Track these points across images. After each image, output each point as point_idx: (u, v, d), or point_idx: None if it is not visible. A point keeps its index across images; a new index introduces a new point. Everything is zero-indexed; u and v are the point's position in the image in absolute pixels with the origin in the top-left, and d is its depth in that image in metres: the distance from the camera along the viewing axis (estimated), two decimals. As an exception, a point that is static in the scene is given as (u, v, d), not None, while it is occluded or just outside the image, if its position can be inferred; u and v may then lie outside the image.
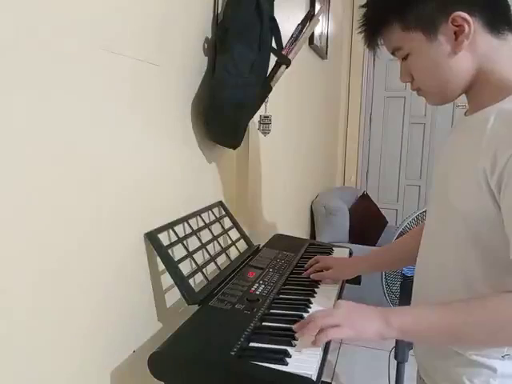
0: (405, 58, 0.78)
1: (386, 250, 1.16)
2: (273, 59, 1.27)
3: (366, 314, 0.74)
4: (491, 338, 0.68)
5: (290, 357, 0.73)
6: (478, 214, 0.71)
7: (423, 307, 0.77)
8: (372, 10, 0.79)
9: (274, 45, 1.25)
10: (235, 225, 1.34)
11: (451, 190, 0.76)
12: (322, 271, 1.12)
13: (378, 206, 3.45)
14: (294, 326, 0.79)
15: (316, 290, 1.04)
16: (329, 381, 2.11)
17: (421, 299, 0.89)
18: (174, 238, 1.05)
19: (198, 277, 1.08)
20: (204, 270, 1.07)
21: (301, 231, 2.71)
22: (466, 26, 0.70)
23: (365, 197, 3.38)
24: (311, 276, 1.09)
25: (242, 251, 1.27)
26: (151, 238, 0.99)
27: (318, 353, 0.74)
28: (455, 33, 0.71)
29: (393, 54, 0.80)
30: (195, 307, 0.93)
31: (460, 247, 0.76)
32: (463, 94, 0.79)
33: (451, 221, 0.77)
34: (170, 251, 1.00)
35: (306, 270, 1.14)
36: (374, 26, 0.79)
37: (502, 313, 0.65)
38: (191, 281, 1.01)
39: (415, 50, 0.75)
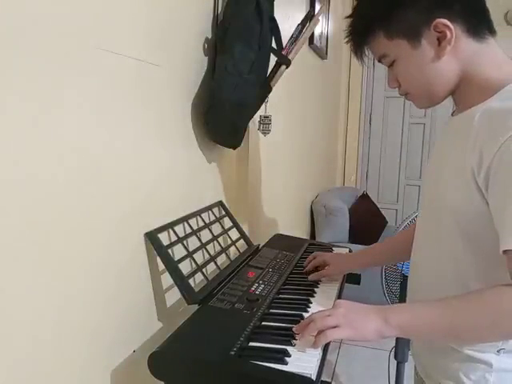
0: (391, 65, 0.81)
1: (385, 243, 1.20)
2: (273, 59, 1.27)
3: (364, 313, 0.74)
4: (490, 331, 0.68)
5: (290, 356, 0.73)
6: (468, 211, 0.72)
7: (421, 304, 0.77)
8: (357, 20, 0.82)
9: (274, 45, 1.26)
10: (235, 225, 1.34)
11: (441, 188, 0.78)
12: (317, 268, 1.13)
13: (378, 206, 3.45)
14: (294, 328, 0.79)
15: (316, 289, 1.04)
16: (329, 380, 2.11)
17: (415, 296, 0.90)
18: (174, 238, 1.05)
19: (198, 276, 1.08)
20: (204, 269, 1.08)
21: (301, 231, 2.71)
22: (448, 32, 0.72)
23: (365, 197, 3.38)
24: (309, 278, 1.10)
25: (241, 251, 1.27)
26: (151, 238, 0.99)
27: (318, 352, 0.75)
28: (438, 39, 0.73)
29: (379, 61, 0.82)
30: (195, 307, 0.93)
31: (452, 244, 0.77)
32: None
33: (442, 218, 0.78)
34: (170, 251, 1.00)
35: (305, 268, 1.15)
36: (359, 36, 0.82)
37: (500, 306, 0.66)
38: (191, 281, 1.01)
39: (400, 56, 0.78)
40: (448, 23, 0.72)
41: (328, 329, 0.73)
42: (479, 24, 0.75)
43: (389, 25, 0.76)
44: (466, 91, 0.77)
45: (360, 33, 0.81)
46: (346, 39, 0.84)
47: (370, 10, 0.80)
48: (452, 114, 0.84)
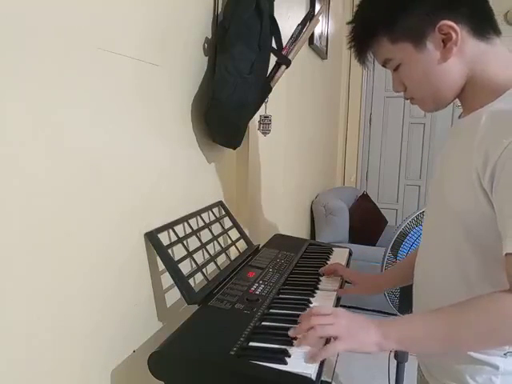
0: (396, 69, 0.79)
1: (405, 262, 1.12)
2: (273, 59, 1.27)
3: (364, 327, 0.72)
4: (489, 339, 0.68)
5: (290, 356, 0.73)
6: (472, 214, 0.72)
7: (419, 317, 0.75)
8: (359, 26, 0.81)
9: (274, 45, 1.26)
10: (235, 225, 1.34)
11: (447, 190, 0.77)
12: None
13: (378, 206, 3.45)
14: (290, 332, 0.77)
15: (316, 289, 1.04)
16: (329, 380, 2.11)
17: (421, 300, 0.89)
18: (174, 238, 1.05)
19: (198, 277, 1.08)
20: (204, 269, 1.08)
21: (301, 231, 2.71)
22: (453, 34, 0.71)
23: (365, 197, 3.38)
24: (337, 291, 1.07)
25: (241, 251, 1.27)
26: (151, 238, 0.99)
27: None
28: (443, 40, 0.72)
29: (383, 65, 0.81)
30: (195, 307, 0.93)
31: (457, 246, 0.77)
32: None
33: (448, 221, 0.78)
34: (170, 251, 1.00)
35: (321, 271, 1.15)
36: (362, 41, 0.81)
37: (499, 313, 0.65)
38: (191, 281, 1.01)
39: (405, 60, 0.77)
40: (453, 24, 0.71)
41: (329, 340, 0.72)
42: (484, 24, 0.74)
43: (392, 29, 0.75)
44: (473, 92, 0.76)
45: (363, 38, 0.80)
46: (349, 45, 0.83)
47: (372, 15, 0.78)
48: (459, 117, 0.83)
